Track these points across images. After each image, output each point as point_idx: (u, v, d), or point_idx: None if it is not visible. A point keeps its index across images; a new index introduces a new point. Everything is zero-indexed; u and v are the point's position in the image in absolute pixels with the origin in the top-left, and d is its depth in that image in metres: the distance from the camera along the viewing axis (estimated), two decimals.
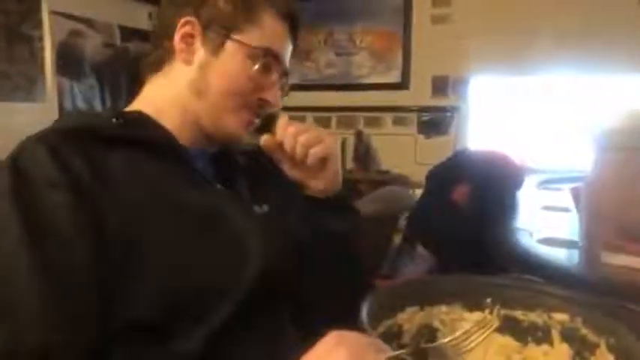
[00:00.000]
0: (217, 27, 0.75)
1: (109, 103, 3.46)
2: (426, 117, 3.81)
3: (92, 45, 3.31)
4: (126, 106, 0.80)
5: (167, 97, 0.77)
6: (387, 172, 3.82)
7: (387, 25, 3.89)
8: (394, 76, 3.90)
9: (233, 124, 0.77)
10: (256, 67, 0.75)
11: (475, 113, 3.70)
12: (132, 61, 3.48)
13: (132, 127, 0.72)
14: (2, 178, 0.62)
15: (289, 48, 0.81)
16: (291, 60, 0.82)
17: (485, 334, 0.65)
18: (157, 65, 0.79)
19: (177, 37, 0.75)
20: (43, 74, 3.02)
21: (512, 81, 3.56)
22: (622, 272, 1.03)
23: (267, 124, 0.79)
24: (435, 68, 3.72)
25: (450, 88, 3.72)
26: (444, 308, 0.69)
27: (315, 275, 0.79)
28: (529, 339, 0.66)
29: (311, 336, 0.53)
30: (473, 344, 0.63)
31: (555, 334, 0.65)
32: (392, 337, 0.63)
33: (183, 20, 0.75)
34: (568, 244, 1.27)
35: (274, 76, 0.78)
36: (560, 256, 1.22)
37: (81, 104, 3.24)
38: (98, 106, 3.38)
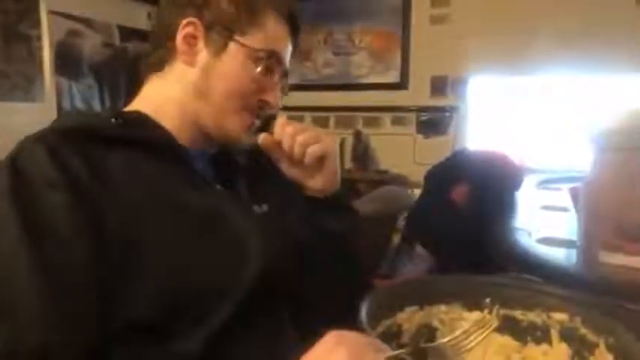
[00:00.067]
0: (220, 28, 0.75)
1: (107, 103, 3.45)
2: (424, 117, 3.81)
3: (91, 45, 3.30)
4: (125, 106, 0.80)
5: (167, 97, 0.77)
6: (385, 172, 3.82)
7: (385, 25, 3.89)
8: (393, 76, 3.90)
9: (234, 125, 0.77)
10: (259, 69, 0.75)
11: (474, 113, 3.70)
12: (131, 61, 3.48)
13: (131, 127, 0.72)
14: (1, 178, 0.62)
15: (290, 49, 0.81)
16: (290, 60, 0.82)
17: (484, 334, 0.65)
18: (158, 65, 0.78)
19: (179, 38, 0.75)
20: (42, 74, 3.01)
21: (511, 81, 3.56)
22: (620, 272, 1.03)
23: (266, 124, 0.79)
24: (433, 68, 3.72)
25: (448, 88, 3.72)
26: (443, 308, 0.69)
27: (313, 275, 0.80)
28: (528, 338, 0.66)
29: (310, 336, 0.53)
30: (472, 344, 0.63)
31: (554, 334, 0.65)
32: (391, 337, 0.63)
33: (185, 21, 0.74)
34: (567, 244, 1.27)
35: (276, 78, 0.79)
36: (558, 255, 1.22)
37: (79, 104, 3.24)
38: (97, 106, 3.38)
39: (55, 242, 0.59)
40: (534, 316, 0.66)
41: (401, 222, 2.58)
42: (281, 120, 0.78)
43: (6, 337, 0.55)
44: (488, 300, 0.68)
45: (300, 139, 0.76)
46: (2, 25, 2.76)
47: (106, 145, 0.67)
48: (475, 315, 0.68)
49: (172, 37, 0.75)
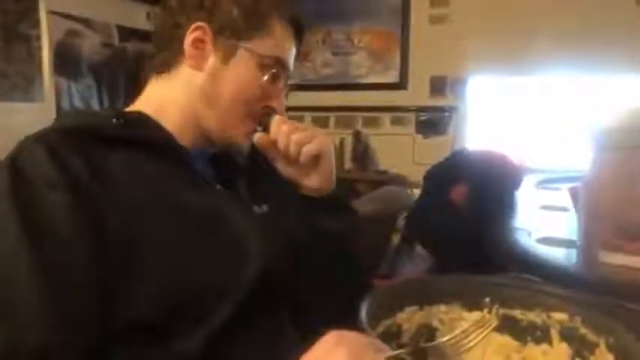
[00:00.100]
0: (229, 34, 0.75)
1: (106, 103, 3.45)
2: (424, 117, 3.81)
3: (90, 45, 3.30)
4: (124, 106, 0.80)
5: (171, 99, 0.77)
6: (385, 172, 3.82)
7: (385, 25, 3.89)
8: (392, 76, 3.90)
9: (237, 131, 0.78)
10: (265, 77, 0.76)
11: (473, 113, 3.70)
12: (130, 61, 3.48)
13: (132, 127, 0.72)
14: (1, 178, 0.62)
15: (294, 53, 0.82)
16: None
17: (483, 333, 0.65)
18: (162, 67, 0.78)
19: (187, 42, 0.75)
20: (41, 74, 3.01)
21: (511, 81, 3.56)
22: (620, 271, 1.03)
23: (262, 123, 0.79)
24: (433, 68, 3.72)
25: (448, 88, 3.72)
26: (442, 308, 0.69)
27: (311, 275, 0.79)
28: (528, 338, 0.66)
29: (310, 336, 0.53)
30: (471, 343, 0.63)
31: (554, 334, 0.65)
32: (391, 337, 0.63)
33: (194, 25, 0.74)
34: (566, 244, 1.27)
35: (281, 85, 0.79)
36: (558, 255, 1.22)
37: (78, 104, 3.24)
38: (96, 106, 3.38)
39: (55, 242, 0.59)
40: (534, 316, 0.66)
41: (400, 222, 2.58)
42: (277, 119, 0.78)
43: (6, 337, 0.55)
44: (487, 300, 0.68)
45: (295, 137, 0.76)
46: (2, 25, 2.76)
47: (107, 145, 0.67)
48: (475, 315, 0.68)
49: (179, 40, 0.75)
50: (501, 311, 0.67)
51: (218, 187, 0.78)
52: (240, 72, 0.75)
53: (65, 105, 3.15)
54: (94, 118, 0.80)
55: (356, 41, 4.00)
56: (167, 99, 0.77)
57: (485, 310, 0.67)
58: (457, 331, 0.64)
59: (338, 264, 0.84)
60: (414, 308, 0.67)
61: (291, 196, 0.83)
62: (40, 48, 2.99)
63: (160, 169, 0.70)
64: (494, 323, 0.67)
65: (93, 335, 0.59)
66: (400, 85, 3.87)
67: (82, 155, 0.64)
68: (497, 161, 2.11)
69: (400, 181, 3.51)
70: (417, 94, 3.80)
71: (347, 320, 0.54)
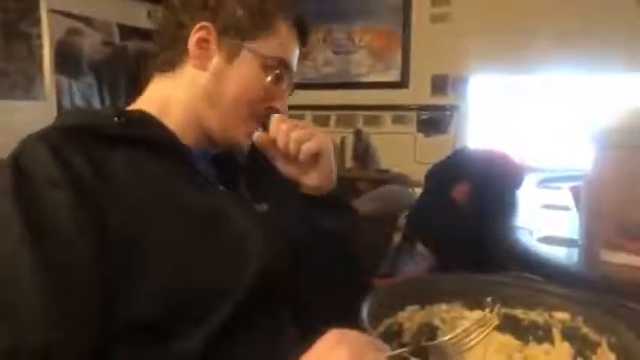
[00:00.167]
0: (233, 34, 0.75)
1: (107, 102, 3.45)
2: (425, 116, 3.80)
3: (91, 43, 3.30)
4: (125, 104, 0.80)
5: (174, 98, 0.77)
6: (386, 170, 3.82)
7: (386, 24, 3.88)
8: (393, 75, 3.89)
9: (239, 131, 0.78)
10: (269, 78, 0.76)
11: (474, 112, 3.70)
12: (131, 59, 3.48)
13: (134, 126, 0.72)
14: (3, 176, 0.62)
15: (297, 53, 0.82)
16: None
17: (485, 333, 0.65)
18: (165, 66, 0.78)
19: (192, 42, 0.74)
20: (42, 72, 3.01)
21: (512, 80, 3.55)
22: (622, 270, 1.03)
23: (262, 122, 0.79)
24: (434, 67, 3.71)
25: (449, 87, 3.71)
26: (444, 307, 0.69)
27: (311, 275, 0.79)
28: (530, 338, 0.66)
29: (311, 335, 0.53)
30: (473, 342, 0.64)
31: (556, 333, 0.65)
32: (392, 336, 0.63)
33: (198, 25, 0.74)
34: (568, 243, 1.27)
35: (284, 86, 0.79)
36: (560, 254, 1.22)
37: (79, 102, 3.24)
38: (97, 105, 3.38)
39: (57, 241, 0.59)
40: (536, 315, 0.66)
41: (402, 221, 2.58)
42: (276, 117, 0.78)
43: (8, 335, 0.55)
44: (489, 299, 0.68)
45: (294, 135, 0.76)
46: (3, 23, 2.76)
47: (109, 143, 0.67)
48: (476, 314, 0.68)
49: (183, 39, 0.75)
50: (503, 310, 0.67)
51: (220, 187, 0.78)
52: (243, 72, 0.75)
53: (66, 103, 3.15)
54: (96, 116, 0.80)
55: (357, 40, 4.00)
56: (170, 98, 0.77)
57: (487, 309, 0.67)
58: (458, 330, 0.64)
59: (338, 263, 0.83)
60: (415, 307, 0.67)
61: (291, 195, 0.82)
62: (40, 46, 2.99)
63: (162, 168, 0.70)
64: (496, 322, 0.67)
65: (95, 334, 0.59)
66: (401, 83, 3.86)
67: (84, 154, 0.64)
68: (498, 160, 2.11)
69: (401, 179, 3.51)
70: (418, 93, 3.80)
71: (347, 320, 0.54)
